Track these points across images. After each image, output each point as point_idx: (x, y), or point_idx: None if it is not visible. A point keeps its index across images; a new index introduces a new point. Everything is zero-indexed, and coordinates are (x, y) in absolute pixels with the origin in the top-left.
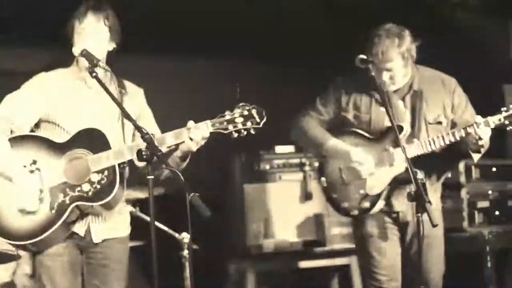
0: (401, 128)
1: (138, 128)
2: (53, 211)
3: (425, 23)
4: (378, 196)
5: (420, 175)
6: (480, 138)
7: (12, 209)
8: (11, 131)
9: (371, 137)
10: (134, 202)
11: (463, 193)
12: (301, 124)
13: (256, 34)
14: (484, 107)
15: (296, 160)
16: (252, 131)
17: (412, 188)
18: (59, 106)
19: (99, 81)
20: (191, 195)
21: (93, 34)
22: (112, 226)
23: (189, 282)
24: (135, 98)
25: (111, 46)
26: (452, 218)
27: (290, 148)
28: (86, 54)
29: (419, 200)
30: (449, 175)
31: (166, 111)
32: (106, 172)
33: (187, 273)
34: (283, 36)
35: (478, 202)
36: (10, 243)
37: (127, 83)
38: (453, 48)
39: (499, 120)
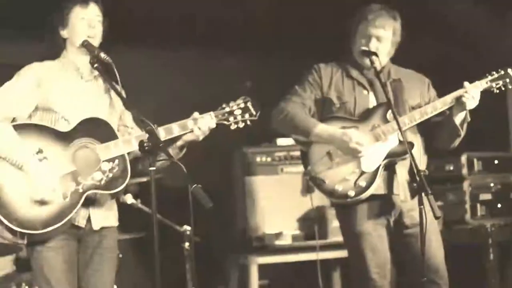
0: (388, 105)
1: (140, 119)
2: (67, 200)
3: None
4: (374, 173)
5: (416, 148)
6: (473, 98)
7: (24, 199)
8: (13, 119)
9: (356, 118)
10: (135, 194)
11: (465, 186)
12: (284, 111)
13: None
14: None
15: (297, 153)
16: (249, 123)
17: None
18: (56, 94)
19: (101, 72)
20: (193, 186)
21: (96, 22)
22: (108, 215)
23: (190, 275)
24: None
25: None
26: (454, 210)
27: (291, 141)
28: (87, 44)
29: (422, 192)
30: (451, 168)
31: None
32: (116, 161)
33: (189, 265)
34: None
35: (480, 195)
36: (19, 231)
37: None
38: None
39: (486, 83)
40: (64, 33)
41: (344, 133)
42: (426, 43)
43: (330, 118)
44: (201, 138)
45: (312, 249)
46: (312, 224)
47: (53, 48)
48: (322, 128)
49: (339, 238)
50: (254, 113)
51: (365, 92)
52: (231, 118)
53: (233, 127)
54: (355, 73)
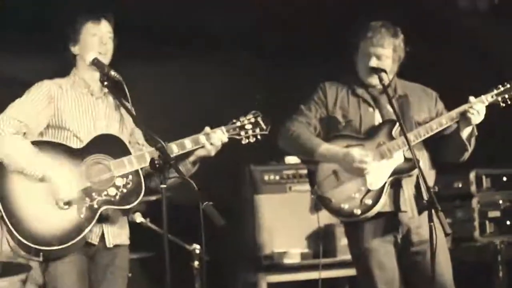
0: (394, 122)
1: (151, 136)
2: (82, 216)
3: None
4: (380, 190)
5: (422, 164)
6: (478, 113)
7: (40, 214)
8: (24, 134)
9: (361, 136)
10: (144, 213)
11: (474, 203)
12: (290, 131)
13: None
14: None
15: (305, 171)
16: (259, 137)
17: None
18: (67, 111)
19: (111, 90)
20: (205, 203)
21: (108, 38)
22: (121, 233)
23: None
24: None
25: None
26: (463, 228)
27: (299, 159)
28: (97, 62)
29: (432, 209)
30: (460, 185)
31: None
32: (130, 177)
33: (198, 284)
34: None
35: (489, 212)
36: (35, 248)
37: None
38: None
39: (492, 97)
40: (75, 49)
41: (347, 153)
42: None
43: (336, 136)
44: (213, 153)
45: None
46: (320, 242)
47: (63, 65)
48: (326, 148)
49: (347, 256)
50: (264, 127)
51: (370, 109)
52: (242, 133)
53: (244, 141)
54: (360, 91)
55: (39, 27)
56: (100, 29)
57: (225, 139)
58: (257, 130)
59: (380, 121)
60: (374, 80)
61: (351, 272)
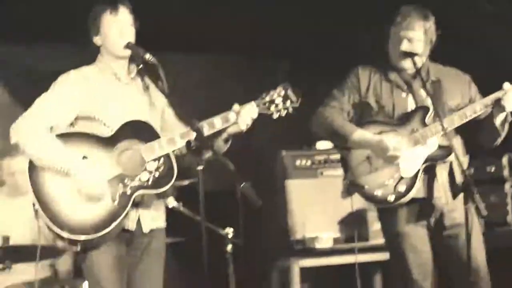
0: (427, 108)
1: (186, 119)
2: (116, 203)
3: None
4: (414, 177)
5: (456, 150)
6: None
7: (73, 206)
8: (51, 129)
9: (394, 122)
10: (177, 197)
11: (507, 187)
12: (323, 117)
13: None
14: None
15: (337, 156)
16: (291, 111)
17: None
18: (95, 101)
19: (144, 74)
20: (242, 184)
21: (128, 27)
22: (157, 216)
23: (233, 278)
24: (158, 92)
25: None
26: (496, 212)
27: (330, 144)
28: (131, 46)
29: (467, 191)
30: (492, 169)
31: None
32: (162, 160)
33: (231, 269)
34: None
35: None
36: (72, 239)
37: (146, 78)
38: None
39: None
40: (97, 39)
41: (380, 140)
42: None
43: (369, 122)
44: (245, 129)
45: (353, 251)
46: (352, 226)
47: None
48: (359, 135)
49: (379, 240)
50: (295, 100)
51: (403, 95)
52: (273, 107)
53: (275, 116)
54: (393, 76)
55: (63, 16)
56: (119, 20)
57: (255, 115)
58: (288, 103)
59: (413, 106)
60: (406, 64)
61: (383, 256)
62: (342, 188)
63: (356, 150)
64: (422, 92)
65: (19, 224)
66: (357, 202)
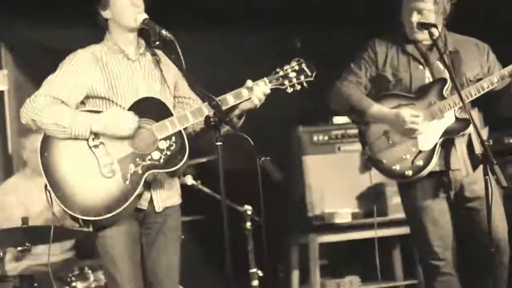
0: (445, 81)
1: (205, 95)
2: (127, 182)
3: None
4: (432, 151)
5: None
6: None
7: (86, 184)
8: None
9: (412, 95)
10: (194, 175)
11: None
12: (340, 91)
13: None
14: None
15: (354, 131)
16: (305, 85)
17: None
18: (104, 80)
19: (161, 50)
20: (262, 159)
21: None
22: (171, 194)
23: (252, 255)
24: (169, 64)
25: None
26: None
27: (347, 119)
28: (148, 22)
29: (487, 163)
30: (511, 140)
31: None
32: (173, 138)
33: (251, 245)
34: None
35: None
36: (84, 219)
37: (157, 51)
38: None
39: None
40: (105, 13)
41: (398, 114)
42: None
43: (386, 96)
44: (258, 105)
45: (371, 226)
46: (371, 201)
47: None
48: (376, 109)
49: (398, 215)
50: (309, 73)
51: (420, 67)
52: (286, 82)
53: (289, 90)
54: (410, 48)
55: None
56: None
57: (268, 91)
58: (302, 77)
59: (430, 79)
60: (421, 35)
61: (402, 231)
62: (360, 163)
63: (373, 125)
64: (440, 64)
65: (39, 205)
66: (375, 176)
